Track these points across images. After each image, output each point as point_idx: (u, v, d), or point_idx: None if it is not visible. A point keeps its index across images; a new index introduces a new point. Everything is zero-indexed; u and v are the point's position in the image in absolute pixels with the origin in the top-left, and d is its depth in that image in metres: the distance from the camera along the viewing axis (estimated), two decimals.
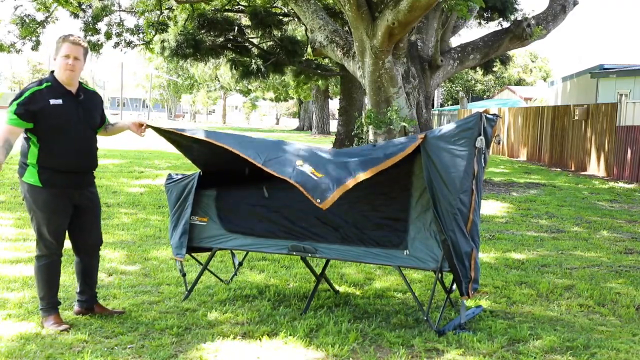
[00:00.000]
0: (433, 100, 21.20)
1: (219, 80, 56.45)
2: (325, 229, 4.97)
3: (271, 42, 21.01)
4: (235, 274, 5.93)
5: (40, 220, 4.59)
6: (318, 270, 5.79)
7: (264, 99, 65.79)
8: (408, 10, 10.49)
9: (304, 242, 5.02)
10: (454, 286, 4.85)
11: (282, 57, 20.64)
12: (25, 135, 4.55)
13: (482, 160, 4.60)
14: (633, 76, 21.10)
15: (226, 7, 21.11)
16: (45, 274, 4.67)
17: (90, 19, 19.81)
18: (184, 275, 5.39)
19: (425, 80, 13.79)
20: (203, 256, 5.89)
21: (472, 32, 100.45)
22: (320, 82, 34.54)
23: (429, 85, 13.92)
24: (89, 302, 4.90)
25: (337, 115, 26.05)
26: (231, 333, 4.58)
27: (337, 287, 5.81)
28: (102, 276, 5.91)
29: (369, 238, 4.86)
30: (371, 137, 12.44)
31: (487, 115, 4.63)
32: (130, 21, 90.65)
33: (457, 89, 54.86)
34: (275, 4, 21.02)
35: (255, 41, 21.73)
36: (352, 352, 4.33)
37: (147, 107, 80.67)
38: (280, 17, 21.17)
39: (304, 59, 21.34)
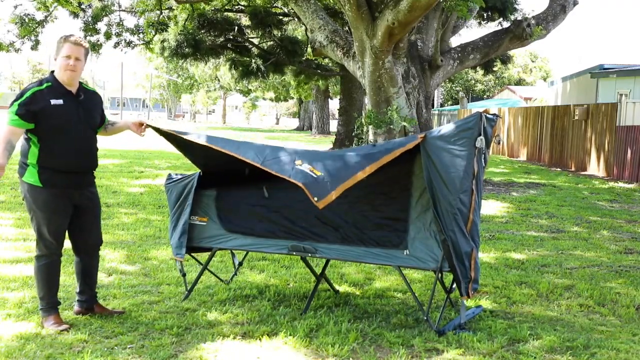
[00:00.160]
0: (433, 100, 21.20)
1: (218, 81, 56.45)
2: (325, 229, 4.97)
3: (271, 42, 21.01)
4: (235, 274, 5.93)
5: (41, 220, 4.58)
6: (318, 270, 5.79)
7: (264, 99, 65.80)
8: (408, 10, 10.49)
9: (304, 242, 5.02)
10: (454, 286, 4.85)
11: (282, 57, 20.64)
12: (26, 136, 4.55)
13: (482, 160, 4.60)
14: (633, 76, 21.10)
15: (226, 7, 21.10)
16: (45, 274, 4.67)
17: (90, 18, 19.80)
18: (184, 275, 5.39)
19: (425, 80, 13.79)
20: (203, 256, 5.89)
21: (472, 32, 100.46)
22: (320, 82, 34.53)
23: (429, 85, 13.92)
24: (89, 302, 4.89)
25: (337, 115, 26.06)
26: (231, 333, 4.58)
27: (337, 287, 5.81)
28: (102, 276, 5.91)
29: (369, 238, 4.86)
30: (371, 137, 12.44)
31: (487, 115, 4.63)
32: (130, 21, 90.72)
33: (457, 89, 54.86)
34: (275, 4, 21.02)
35: (255, 41, 21.73)
36: (352, 352, 4.33)
37: (147, 107, 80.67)
38: (280, 17, 21.17)
39: (304, 59, 21.34)
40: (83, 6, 19.38)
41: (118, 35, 20.93)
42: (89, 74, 72.22)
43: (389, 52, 11.66)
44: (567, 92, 26.57)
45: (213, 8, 20.32)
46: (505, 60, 20.96)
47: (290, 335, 4.54)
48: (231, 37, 20.79)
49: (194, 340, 4.46)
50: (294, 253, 5.13)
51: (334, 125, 43.24)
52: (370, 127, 12.32)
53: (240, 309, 5.14)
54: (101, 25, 20.38)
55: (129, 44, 21.27)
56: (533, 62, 61.69)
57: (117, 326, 4.66)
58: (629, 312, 5.38)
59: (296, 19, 20.67)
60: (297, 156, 4.77)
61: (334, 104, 47.44)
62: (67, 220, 4.67)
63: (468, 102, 43.15)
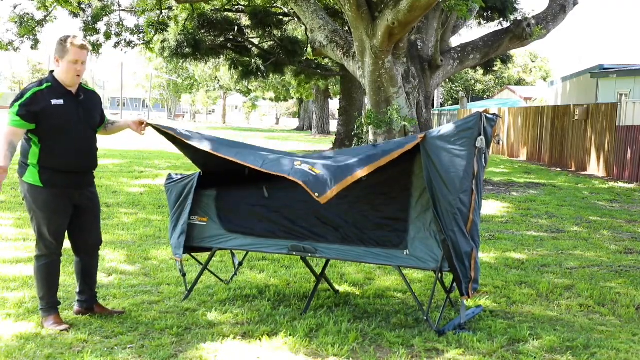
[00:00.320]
0: (433, 100, 21.20)
1: (218, 81, 56.45)
2: (325, 229, 4.97)
3: (271, 42, 21.02)
4: (235, 274, 5.93)
5: (41, 220, 4.58)
6: (318, 270, 5.79)
7: (264, 99, 65.79)
8: (408, 10, 10.50)
9: (304, 242, 5.02)
10: (454, 286, 4.85)
11: (282, 57, 20.64)
12: (26, 136, 4.55)
13: (483, 160, 4.60)
14: (633, 76, 21.10)
15: (226, 7, 21.11)
16: (45, 274, 4.67)
17: (89, 18, 19.80)
18: (184, 275, 5.39)
19: (425, 80, 13.80)
20: (203, 256, 5.89)
21: (472, 32, 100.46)
22: (320, 82, 34.54)
23: (429, 85, 13.92)
24: (89, 302, 4.89)
25: (337, 115, 26.06)
26: (231, 333, 4.58)
27: (337, 287, 5.81)
28: (102, 276, 5.91)
29: (369, 238, 4.86)
30: (371, 137, 12.44)
31: (487, 115, 4.63)
32: (131, 21, 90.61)
33: (457, 89, 54.85)
34: (275, 4, 21.02)
35: (255, 41, 21.73)
36: (352, 352, 4.33)
37: (147, 107, 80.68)
38: (280, 17, 21.18)
39: (304, 59, 21.35)
40: (83, 6, 19.38)
41: (118, 35, 20.93)
42: (89, 74, 72.18)
43: (389, 52, 11.66)
44: (567, 92, 26.57)
45: (213, 8, 20.32)
46: (505, 60, 20.97)
47: (290, 335, 4.54)
48: (231, 37, 20.80)
49: (194, 340, 4.46)
50: (294, 253, 5.13)
51: (334, 125, 43.26)
52: (370, 127, 12.32)
53: (240, 309, 5.14)
54: (101, 25, 20.40)
55: (129, 44, 21.27)
56: (533, 62, 61.69)
57: (117, 326, 4.66)
58: (629, 312, 5.38)
59: (296, 19, 20.67)
60: (296, 158, 4.79)
61: (334, 104, 47.46)
62: (67, 220, 4.67)
63: (468, 102, 43.15)
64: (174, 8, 20.47)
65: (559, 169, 19.63)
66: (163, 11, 20.66)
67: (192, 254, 5.60)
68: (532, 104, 33.88)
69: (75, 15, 19.44)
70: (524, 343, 4.55)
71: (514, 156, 24.66)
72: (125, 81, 76.45)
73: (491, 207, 11.05)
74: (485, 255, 7.35)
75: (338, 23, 16.09)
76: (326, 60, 21.83)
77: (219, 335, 4.54)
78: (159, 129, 5.07)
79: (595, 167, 18.26)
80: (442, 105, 50.69)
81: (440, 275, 4.75)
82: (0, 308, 4.97)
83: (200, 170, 5.43)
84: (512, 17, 16.34)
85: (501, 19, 17.05)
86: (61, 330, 4.51)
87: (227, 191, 5.32)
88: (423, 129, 12.67)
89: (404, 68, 12.94)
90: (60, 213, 4.61)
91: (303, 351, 4.31)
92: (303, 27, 21.23)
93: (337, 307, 5.26)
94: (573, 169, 19.49)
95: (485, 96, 55.20)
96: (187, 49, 19.04)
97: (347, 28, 14.78)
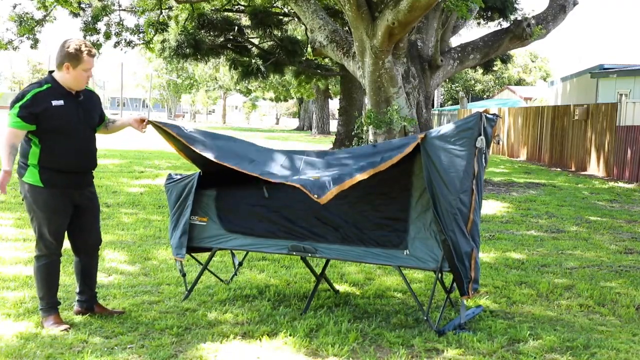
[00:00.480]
0: (433, 100, 21.20)
1: (217, 81, 56.45)
2: (325, 229, 4.97)
3: (271, 42, 21.00)
4: (235, 274, 5.93)
5: (41, 220, 4.59)
6: (318, 270, 5.79)
7: (264, 99, 65.82)
8: (408, 10, 10.49)
9: (304, 242, 5.02)
10: (454, 286, 4.85)
11: (282, 57, 20.63)
12: (26, 137, 4.55)
13: (483, 160, 4.60)
14: (633, 76, 21.10)
15: (226, 7, 21.10)
16: (45, 274, 4.67)
17: (90, 18, 19.80)
18: (184, 275, 5.39)
19: (425, 80, 13.79)
20: (203, 256, 5.89)
21: (472, 32, 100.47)
22: (320, 82, 34.54)
23: (429, 85, 13.92)
24: (89, 302, 4.89)
25: (337, 115, 26.06)
26: (231, 333, 4.58)
27: (337, 287, 5.81)
28: (102, 276, 5.91)
29: (369, 238, 4.86)
30: (371, 137, 12.44)
31: (487, 115, 4.63)
32: (131, 21, 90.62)
33: (457, 89, 54.84)
34: (275, 4, 21.02)
35: (255, 41, 21.72)
36: (352, 352, 4.33)
37: (147, 107, 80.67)
38: (280, 17, 21.17)
39: (304, 59, 21.34)
40: (83, 5, 19.38)
41: (118, 35, 20.94)
42: None
43: (389, 52, 11.66)
44: (567, 92, 26.57)
45: (213, 8, 20.31)
46: (505, 60, 20.96)
47: (290, 335, 4.54)
48: (231, 37, 20.79)
49: (194, 340, 4.46)
50: (294, 253, 5.13)
51: (334, 125, 43.25)
52: (370, 127, 12.32)
53: (240, 309, 5.14)
54: (101, 25, 20.40)
55: (129, 43, 21.28)
56: (533, 62, 61.68)
57: (117, 326, 4.66)
58: (629, 312, 5.38)
59: (296, 19, 20.67)
60: (296, 167, 4.85)
61: (334, 104, 47.45)
62: (67, 220, 4.67)
63: (468, 102, 43.14)
64: (174, 8, 20.47)
65: (559, 169, 19.64)
66: (163, 11, 20.66)
67: (192, 254, 5.60)
68: (532, 104, 33.89)
69: (75, 15, 19.44)
70: (524, 343, 4.55)
71: (514, 156, 24.66)
72: (125, 81, 76.46)
73: (491, 207, 11.06)
74: (485, 255, 7.35)
75: (338, 23, 16.08)
76: (326, 60, 21.81)
77: (219, 335, 4.55)
78: (159, 127, 5.05)
79: (595, 167, 18.26)
80: (442, 105, 50.69)
81: (440, 275, 4.75)
82: (0, 308, 4.97)
83: (200, 170, 5.43)
84: (512, 17, 16.33)
85: (501, 19, 17.05)
86: (61, 330, 4.51)
87: (227, 191, 5.32)
88: (423, 129, 12.66)
89: (404, 68, 12.94)
90: (60, 213, 4.61)
91: (303, 351, 4.31)
92: (303, 27, 21.24)
93: (337, 307, 5.26)
94: (573, 169, 19.49)
95: (485, 96, 55.20)
96: (187, 49, 19.03)
97: (347, 28, 14.77)
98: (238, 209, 5.25)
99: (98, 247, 4.96)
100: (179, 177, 5.41)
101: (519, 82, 56.88)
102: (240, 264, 5.95)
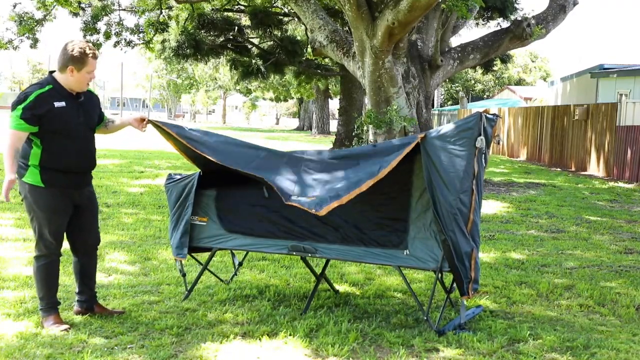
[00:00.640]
0: (433, 100, 21.20)
1: (217, 81, 56.45)
2: (325, 229, 4.97)
3: (271, 42, 20.99)
4: (235, 274, 5.93)
5: (41, 220, 4.59)
6: (318, 270, 5.79)
7: (264, 99, 65.79)
8: (408, 10, 10.49)
9: (304, 242, 5.02)
10: (454, 286, 4.85)
11: (282, 57, 20.62)
12: (27, 138, 4.54)
13: (483, 160, 4.60)
14: (633, 76, 21.10)
15: (226, 7, 21.09)
16: (45, 274, 4.67)
17: (89, 18, 19.79)
18: (184, 275, 5.39)
19: (425, 80, 13.79)
20: (203, 256, 5.89)
21: (472, 32, 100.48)
22: (320, 82, 34.53)
23: (429, 85, 13.91)
24: (89, 302, 4.90)
25: (337, 115, 26.05)
26: (231, 333, 4.58)
27: (337, 287, 5.81)
28: (102, 276, 5.91)
29: (369, 238, 4.86)
30: (371, 137, 12.44)
31: (487, 115, 4.63)
32: (131, 20, 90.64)
33: (457, 88, 54.84)
34: (275, 4, 21.02)
35: (255, 41, 21.71)
36: (352, 352, 4.33)
37: (147, 107, 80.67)
38: (280, 17, 21.16)
39: (304, 59, 21.33)
40: (83, 5, 19.37)
41: (118, 34, 20.92)
42: None
43: (389, 52, 11.66)
44: (567, 92, 26.57)
45: (213, 8, 20.30)
46: (505, 60, 20.95)
47: (290, 335, 4.54)
48: (231, 37, 20.78)
49: (194, 340, 4.46)
50: (294, 253, 5.13)
51: (334, 125, 43.24)
52: (370, 127, 12.32)
53: (240, 309, 5.14)
54: (101, 25, 20.40)
55: (128, 43, 21.27)
56: (533, 62, 61.68)
57: (117, 326, 4.66)
58: (629, 312, 5.38)
59: (296, 19, 20.66)
60: (294, 180, 4.85)
61: (334, 104, 47.43)
62: (66, 220, 4.68)
63: (468, 102, 43.15)
64: (174, 8, 20.46)
65: (559, 169, 19.64)
66: (163, 11, 20.66)
67: (192, 254, 5.60)
68: (532, 104, 33.88)
69: (75, 14, 19.44)
70: (524, 343, 4.55)
71: (514, 156, 24.66)
72: (125, 81, 76.44)
73: (491, 207, 11.06)
74: (485, 255, 7.35)
75: (338, 23, 16.09)
76: (326, 60, 21.81)
77: (219, 335, 4.55)
78: (159, 127, 5.05)
79: (595, 167, 18.26)
80: (442, 105, 50.68)
81: (440, 275, 4.75)
82: (0, 308, 4.97)
83: (200, 170, 5.43)
84: (512, 17, 16.32)
85: (501, 19, 17.04)
86: (61, 331, 4.51)
87: (227, 191, 5.32)
88: (423, 129, 12.66)
89: (404, 68, 12.94)
90: (60, 213, 4.62)
91: (303, 351, 4.31)
92: (303, 27, 21.23)
93: (337, 307, 5.26)
94: (573, 169, 19.49)
95: (485, 96, 55.21)
96: (187, 50, 19.03)
97: (347, 28, 14.77)
98: (238, 209, 5.25)
99: (97, 247, 4.96)
100: (179, 177, 5.41)
101: (519, 82, 56.89)
102: (240, 264, 5.95)
